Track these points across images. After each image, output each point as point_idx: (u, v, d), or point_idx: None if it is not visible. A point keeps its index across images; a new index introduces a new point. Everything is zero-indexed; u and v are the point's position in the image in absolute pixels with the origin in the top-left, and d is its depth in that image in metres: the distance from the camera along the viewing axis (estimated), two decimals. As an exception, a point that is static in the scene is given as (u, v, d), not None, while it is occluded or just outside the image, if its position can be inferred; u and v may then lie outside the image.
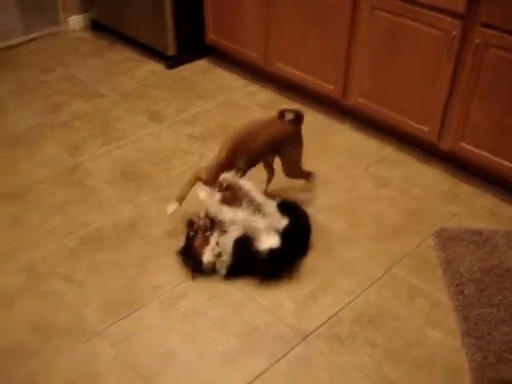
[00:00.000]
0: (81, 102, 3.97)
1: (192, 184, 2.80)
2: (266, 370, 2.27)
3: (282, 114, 2.88)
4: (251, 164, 2.83)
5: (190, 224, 2.67)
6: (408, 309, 2.53)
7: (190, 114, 3.84)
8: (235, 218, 2.59)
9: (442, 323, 2.46)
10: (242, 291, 2.59)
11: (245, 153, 2.76)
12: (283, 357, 2.31)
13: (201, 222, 2.64)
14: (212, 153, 3.36)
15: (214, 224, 2.64)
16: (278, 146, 2.86)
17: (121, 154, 3.46)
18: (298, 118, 2.89)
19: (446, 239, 2.84)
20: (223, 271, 2.63)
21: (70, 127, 3.71)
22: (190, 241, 2.68)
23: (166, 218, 2.87)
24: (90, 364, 2.27)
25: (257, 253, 2.58)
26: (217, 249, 2.60)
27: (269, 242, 2.58)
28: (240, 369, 2.27)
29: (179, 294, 2.57)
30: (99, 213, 3.01)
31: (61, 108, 3.91)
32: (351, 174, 3.32)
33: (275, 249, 2.58)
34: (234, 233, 2.59)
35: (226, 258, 2.60)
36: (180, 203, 2.79)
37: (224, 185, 2.63)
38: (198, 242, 2.64)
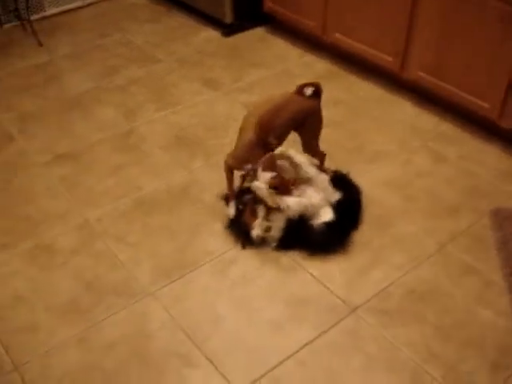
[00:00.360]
0: (137, 67, 3.99)
1: (231, 176, 2.77)
2: (314, 339, 2.27)
3: (300, 90, 2.77)
4: (280, 140, 2.75)
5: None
6: (460, 287, 2.48)
7: (245, 83, 3.82)
8: (288, 205, 2.55)
9: (494, 303, 2.41)
10: (293, 260, 2.59)
11: (273, 129, 2.67)
12: (332, 328, 2.31)
13: (248, 199, 2.63)
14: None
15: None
16: (300, 122, 2.77)
17: (175, 119, 3.47)
18: (317, 93, 2.79)
19: (503, 219, 2.77)
20: (274, 243, 2.62)
21: (126, 91, 3.73)
22: (239, 212, 2.68)
23: (217, 184, 2.88)
24: (141, 324, 2.31)
25: (310, 227, 2.56)
26: (265, 223, 2.58)
27: (323, 216, 2.56)
28: (288, 337, 2.27)
29: (230, 260, 2.59)
30: (152, 177, 3.03)
31: (117, 72, 3.94)
32: (407, 148, 3.26)
33: (328, 222, 2.56)
34: (289, 212, 2.56)
35: (277, 233, 2.59)
36: (233, 199, 2.77)
37: (272, 164, 2.57)
38: (246, 215, 2.63)
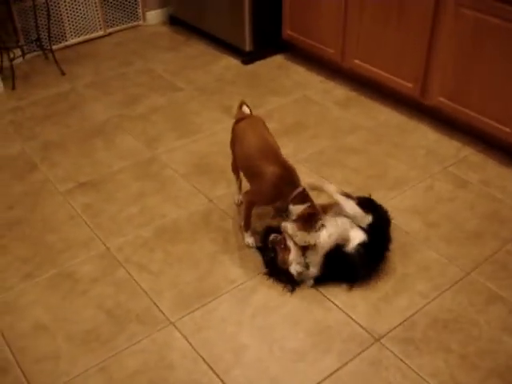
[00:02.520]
0: (158, 96, 4.03)
1: (250, 212, 2.73)
2: (337, 369, 2.24)
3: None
4: None
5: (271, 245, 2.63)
6: (485, 315, 2.45)
7: (265, 110, 3.84)
8: (320, 241, 2.51)
9: (521, 332, 2.38)
10: (315, 289, 2.57)
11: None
12: (355, 357, 2.28)
13: (276, 238, 2.59)
14: (287, 149, 3.35)
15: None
16: None
17: (196, 147, 3.49)
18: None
19: (528, 245, 2.74)
20: (311, 282, 2.58)
21: (147, 120, 3.77)
22: (272, 259, 2.63)
23: (238, 212, 2.88)
24: (162, 354, 2.30)
25: (345, 253, 2.51)
26: (302, 260, 2.54)
27: (355, 239, 2.52)
28: (311, 367, 2.25)
29: (251, 289, 2.57)
30: (174, 205, 3.04)
31: (138, 100, 3.98)
32: (429, 174, 3.24)
33: (364, 243, 2.52)
34: (323, 246, 2.51)
35: (315, 269, 2.54)
36: (249, 228, 2.77)
37: (304, 197, 2.51)
38: (280, 255, 2.58)
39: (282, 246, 2.56)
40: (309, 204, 2.49)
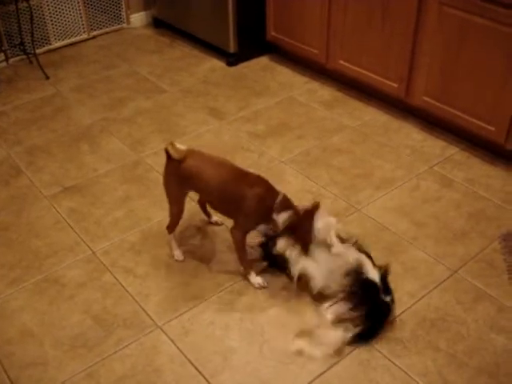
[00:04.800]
0: (143, 99, 4.02)
1: (244, 248, 2.58)
2: (326, 370, 2.24)
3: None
4: None
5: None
6: (472, 313, 2.46)
7: (251, 112, 3.84)
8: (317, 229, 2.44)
9: (507, 329, 2.39)
10: (302, 290, 2.56)
11: None
12: (344, 358, 2.28)
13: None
14: (273, 150, 3.35)
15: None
16: None
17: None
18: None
19: (514, 243, 2.76)
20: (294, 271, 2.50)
21: (133, 122, 3.75)
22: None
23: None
24: (150, 358, 2.29)
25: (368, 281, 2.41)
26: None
27: (371, 273, 2.41)
28: (300, 369, 2.25)
29: (238, 291, 2.57)
30: (160, 208, 3.03)
31: (123, 104, 3.97)
32: (415, 173, 3.25)
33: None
34: (344, 264, 2.41)
35: (334, 286, 2.42)
36: (253, 268, 2.63)
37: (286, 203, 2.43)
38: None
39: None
40: (291, 211, 2.41)
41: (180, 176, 2.52)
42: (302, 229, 2.42)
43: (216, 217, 2.93)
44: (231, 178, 2.46)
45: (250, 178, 2.45)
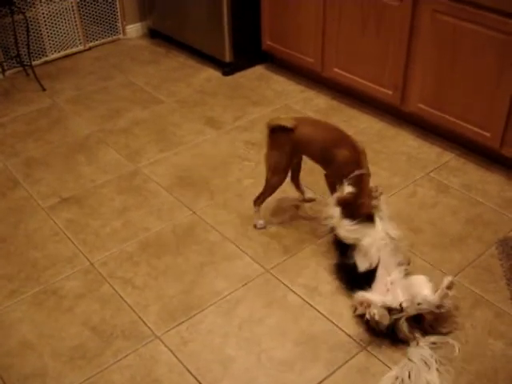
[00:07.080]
0: (139, 109, 4.03)
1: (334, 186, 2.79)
2: (325, 378, 2.24)
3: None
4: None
5: None
6: (470, 319, 2.46)
7: (247, 121, 3.85)
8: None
9: (506, 334, 2.39)
10: (300, 298, 2.57)
11: None
12: (342, 366, 2.28)
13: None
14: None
15: None
16: None
17: (179, 159, 3.49)
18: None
19: (511, 248, 2.76)
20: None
21: (129, 133, 3.76)
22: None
23: (222, 223, 2.89)
24: (149, 368, 2.29)
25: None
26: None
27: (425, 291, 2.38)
28: (299, 377, 2.25)
29: (236, 300, 2.57)
30: (158, 218, 3.04)
31: (120, 114, 3.98)
32: (411, 180, 3.26)
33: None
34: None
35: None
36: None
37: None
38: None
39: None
40: (353, 191, 2.56)
41: (292, 144, 2.73)
42: (349, 210, 2.57)
43: (310, 194, 3.12)
44: (330, 140, 2.70)
45: (346, 142, 2.70)
